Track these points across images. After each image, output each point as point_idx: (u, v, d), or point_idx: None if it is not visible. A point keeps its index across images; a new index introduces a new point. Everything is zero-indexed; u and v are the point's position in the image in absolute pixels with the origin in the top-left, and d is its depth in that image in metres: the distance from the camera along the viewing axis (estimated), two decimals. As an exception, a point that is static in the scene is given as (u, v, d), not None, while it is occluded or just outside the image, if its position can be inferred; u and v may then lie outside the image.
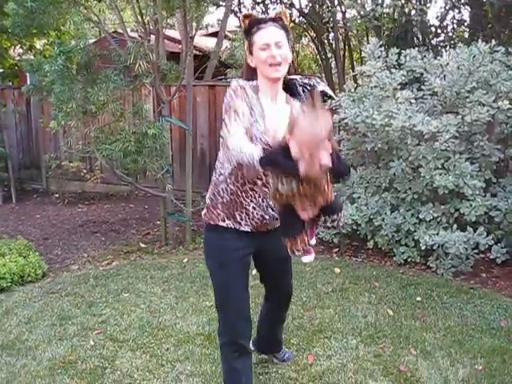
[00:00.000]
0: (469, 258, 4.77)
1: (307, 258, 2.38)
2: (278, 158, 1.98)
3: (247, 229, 2.52)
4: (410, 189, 5.02)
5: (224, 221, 2.52)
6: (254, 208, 2.48)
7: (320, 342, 3.60)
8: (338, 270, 4.94)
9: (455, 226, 4.78)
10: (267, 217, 2.51)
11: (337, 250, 5.54)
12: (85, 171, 8.14)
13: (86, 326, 3.94)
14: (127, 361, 3.43)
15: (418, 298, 4.32)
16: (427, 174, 4.76)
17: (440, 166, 4.77)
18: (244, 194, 2.46)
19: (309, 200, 2.09)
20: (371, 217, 5.10)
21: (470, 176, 4.70)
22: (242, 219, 2.50)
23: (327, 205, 2.13)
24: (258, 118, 2.38)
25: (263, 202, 2.48)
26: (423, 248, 4.84)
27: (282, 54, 2.36)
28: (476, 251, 4.75)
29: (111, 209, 7.86)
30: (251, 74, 2.48)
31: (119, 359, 3.45)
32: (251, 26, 2.41)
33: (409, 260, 5.06)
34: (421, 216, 4.91)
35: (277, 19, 2.43)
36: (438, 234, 4.73)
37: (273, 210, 2.48)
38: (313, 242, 2.39)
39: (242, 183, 2.45)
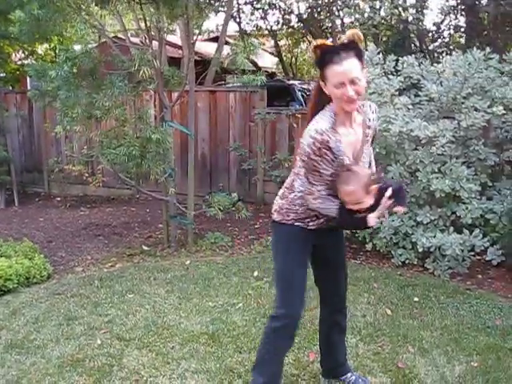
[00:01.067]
0: (465, 260, 4.89)
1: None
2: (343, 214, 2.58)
3: (313, 227, 2.74)
4: (407, 192, 5.14)
5: (294, 223, 2.73)
6: (323, 216, 2.69)
7: (321, 341, 3.70)
8: (337, 272, 5.05)
9: (452, 228, 4.91)
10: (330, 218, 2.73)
11: (336, 252, 5.64)
12: (87, 175, 8.25)
13: (92, 325, 4.05)
14: (134, 359, 3.54)
15: (416, 299, 4.44)
16: (424, 177, 4.89)
17: (437, 170, 4.89)
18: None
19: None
20: (370, 220, 5.21)
21: (466, 180, 4.82)
22: (309, 222, 2.73)
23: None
24: (340, 157, 2.51)
25: None
26: (420, 250, 4.96)
27: (357, 90, 2.36)
28: (472, 253, 4.87)
29: (113, 212, 7.97)
30: (323, 95, 2.50)
31: (126, 357, 3.56)
32: (323, 56, 2.38)
33: (406, 262, 5.18)
34: (418, 219, 5.03)
35: (349, 45, 2.37)
36: (435, 237, 4.85)
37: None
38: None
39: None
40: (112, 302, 4.48)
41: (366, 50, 5.73)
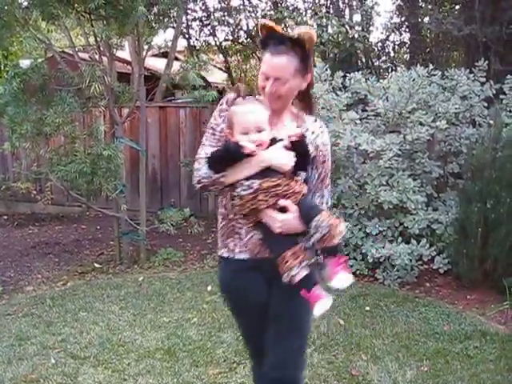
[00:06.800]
0: (413, 269, 5.05)
1: (318, 307, 2.03)
2: (219, 150, 2.13)
3: (243, 256, 2.22)
4: (356, 205, 5.28)
5: (221, 249, 2.30)
6: (247, 232, 2.19)
7: (276, 352, 3.75)
8: (290, 284, 5.12)
9: (400, 238, 5.06)
10: None
11: (289, 264, 5.71)
12: (35, 192, 8.09)
13: (45, 345, 3.98)
14: (89, 377, 3.50)
15: (367, 308, 4.55)
16: (373, 190, 5.03)
17: (384, 183, 5.04)
18: (237, 216, 2.19)
19: (271, 196, 2.04)
20: (321, 232, 5.31)
21: (412, 191, 4.99)
22: (235, 245, 2.23)
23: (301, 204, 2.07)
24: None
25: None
26: (370, 261, 5.09)
27: (279, 91, 2.11)
28: (420, 262, 5.04)
29: (63, 230, 7.84)
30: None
31: (81, 376, 3.52)
32: (266, 39, 2.13)
33: (357, 273, 5.29)
34: (367, 230, 5.17)
35: (296, 42, 2.08)
36: (384, 247, 4.99)
37: None
38: (318, 291, 2.06)
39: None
40: (65, 321, 4.42)
41: (315, 66, 5.86)
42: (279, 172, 2.06)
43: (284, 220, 2.06)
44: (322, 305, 2.03)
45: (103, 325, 4.33)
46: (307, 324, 2.32)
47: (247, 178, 2.06)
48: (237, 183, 2.08)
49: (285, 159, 2.08)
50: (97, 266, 6.03)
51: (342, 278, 2.02)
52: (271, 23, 2.14)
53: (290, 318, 2.24)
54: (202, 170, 2.14)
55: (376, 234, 5.16)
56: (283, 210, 2.06)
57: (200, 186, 2.17)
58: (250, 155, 2.05)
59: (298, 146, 2.09)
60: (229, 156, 2.08)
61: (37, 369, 3.63)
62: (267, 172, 2.05)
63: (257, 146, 2.05)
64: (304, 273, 2.02)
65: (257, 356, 2.39)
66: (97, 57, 5.58)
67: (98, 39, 5.44)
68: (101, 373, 3.55)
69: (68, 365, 3.67)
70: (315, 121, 2.28)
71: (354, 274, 5.26)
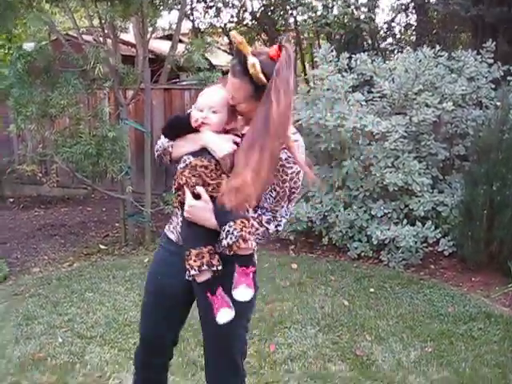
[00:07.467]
0: (418, 251, 5.05)
1: (221, 313, 1.96)
2: (174, 118, 2.23)
3: (172, 236, 2.22)
4: (361, 186, 5.27)
5: (167, 225, 2.31)
6: (176, 214, 2.21)
7: (281, 332, 3.79)
8: (295, 266, 5.14)
9: (405, 221, 5.07)
10: None
11: (293, 246, 5.74)
12: (40, 175, 8.10)
13: (52, 324, 4.02)
14: (96, 356, 3.54)
15: (372, 290, 4.57)
16: (378, 172, 5.02)
17: (390, 165, 5.03)
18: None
19: (194, 175, 2.02)
20: (325, 214, 5.32)
21: (418, 174, 4.98)
22: (172, 223, 2.25)
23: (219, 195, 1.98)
24: None
25: None
26: (375, 243, 5.10)
27: (238, 107, 2.02)
28: (425, 244, 5.04)
29: (69, 212, 7.86)
30: None
31: (88, 354, 3.56)
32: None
33: (362, 254, 5.30)
34: (373, 212, 5.17)
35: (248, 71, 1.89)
36: (389, 229, 4.99)
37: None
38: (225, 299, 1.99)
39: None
40: (71, 301, 4.45)
41: (319, 46, 5.83)
42: (214, 158, 2.02)
43: (193, 206, 1.99)
44: (225, 313, 1.96)
45: (109, 305, 4.36)
46: (235, 340, 2.18)
47: (187, 154, 2.08)
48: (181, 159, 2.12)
49: (221, 145, 2.01)
50: (102, 247, 6.06)
51: (241, 292, 1.92)
52: (239, 39, 1.91)
53: (213, 333, 2.14)
54: (160, 140, 2.20)
55: (381, 216, 5.16)
56: (198, 198, 2.01)
57: (156, 154, 2.23)
58: (196, 130, 2.07)
59: None
60: (177, 123, 2.15)
61: (44, 348, 3.67)
62: (204, 153, 2.04)
63: (202, 122, 2.04)
64: (206, 276, 1.97)
65: (145, 344, 2.37)
66: (101, 39, 5.55)
67: (103, 21, 5.41)
68: (107, 352, 3.58)
69: (75, 344, 3.71)
70: (293, 134, 2.07)
71: (358, 255, 5.29)
